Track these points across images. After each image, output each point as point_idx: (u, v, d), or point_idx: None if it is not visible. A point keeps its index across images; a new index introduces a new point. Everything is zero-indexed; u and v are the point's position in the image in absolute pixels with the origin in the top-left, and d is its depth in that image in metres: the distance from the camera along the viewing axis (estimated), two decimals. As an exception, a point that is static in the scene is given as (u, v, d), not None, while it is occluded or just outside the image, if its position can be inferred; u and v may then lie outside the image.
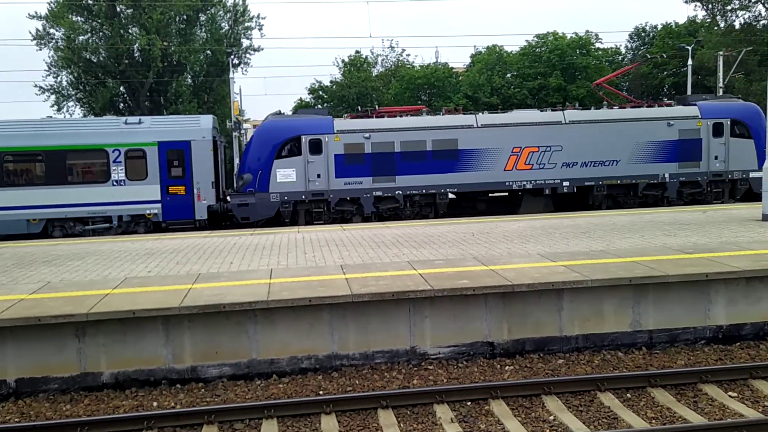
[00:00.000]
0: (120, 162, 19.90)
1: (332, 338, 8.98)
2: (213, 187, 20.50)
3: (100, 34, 41.41)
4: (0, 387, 8.40)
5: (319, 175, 20.62)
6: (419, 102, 45.02)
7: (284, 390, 8.30)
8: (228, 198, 21.76)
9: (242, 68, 46.02)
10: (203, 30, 44.59)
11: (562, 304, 9.38)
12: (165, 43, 39.72)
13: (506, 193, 22.72)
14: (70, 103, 43.37)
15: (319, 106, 48.43)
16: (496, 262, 10.65)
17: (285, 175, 20.56)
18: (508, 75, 48.17)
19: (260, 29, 46.28)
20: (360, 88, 46.56)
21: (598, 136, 21.48)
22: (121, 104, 43.59)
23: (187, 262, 11.89)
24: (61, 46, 40.63)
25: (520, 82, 46.36)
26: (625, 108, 22.99)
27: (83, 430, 7.16)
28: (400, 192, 20.95)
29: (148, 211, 20.06)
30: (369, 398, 7.73)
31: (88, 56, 41.43)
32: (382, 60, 50.09)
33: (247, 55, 46.13)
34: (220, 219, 21.39)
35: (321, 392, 8.21)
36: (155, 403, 8.03)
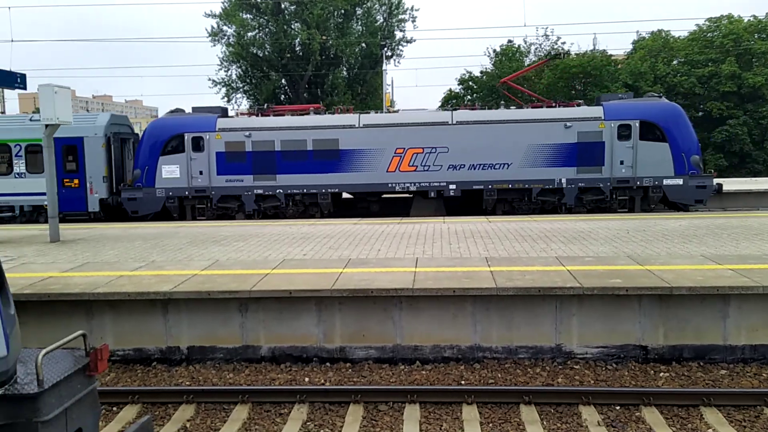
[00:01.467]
0: (21, 156, 21.38)
1: (475, 330, 9.00)
2: (105, 181, 21.28)
3: (266, 30, 44.23)
4: (174, 353, 9.37)
5: (201, 172, 20.94)
6: (573, 92, 43.30)
7: (427, 377, 8.46)
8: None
9: (395, 60, 47.01)
10: (359, 23, 46.08)
11: (728, 310, 8.66)
12: (324, 37, 41.55)
13: (407, 195, 21.86)
14: (239, 95, 46.83)
15: (469, 97, 48.17)
16: (653, 261, 10.05)
17: (169, 171, 21.04)
18: (675, 62, 44.88)
19: (413, 21, 46.92)
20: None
21: (486, 137, 20.20)
22: (282, 96, 46.32)
23: (339, 247, 12.44)
24: (232, 42, 43.93)
25: (687, 69, 43.05)
26: (522, 108, 21.42)
27: (244, 398, 7.80)
28: (281, 191, 20.83)
29: (45, 202, 20.60)
30: (512, 392, 7.67)
31: (255, 51, 44.46)
32: (536, 49, 48.72)
33: (400, 47, 47.03)
34: (114, 212, 21.89)
35: (463, 382, 8.28)
36: (307, 379, 8.54)
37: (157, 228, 16.67)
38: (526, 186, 20.39)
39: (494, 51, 48.59)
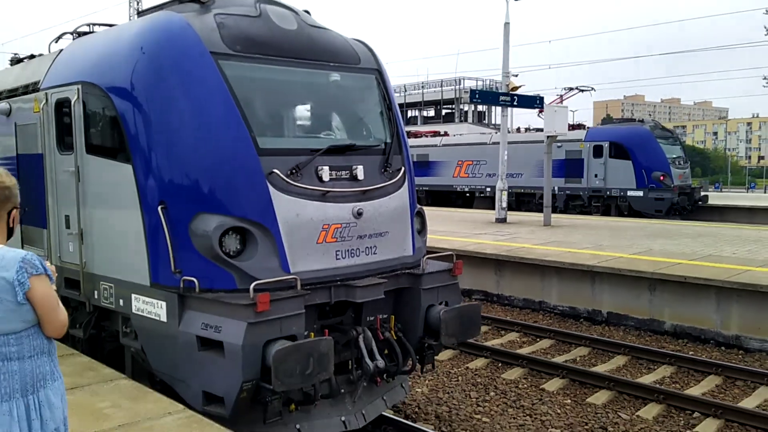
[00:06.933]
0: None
1: None
2: None
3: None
4: (597, 315, 11.92)
5: None
6: None
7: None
8: None
9: None
10: None
11: None
12: None
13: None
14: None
15: None
16: None
17: None
18: None
19: None
20: None
21: (512, 154, 23.36)
22: None
23: None
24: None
25: None
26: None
27: (625, 351, 9.91)
28: None
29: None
30: None
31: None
32: None
33: None
34: None
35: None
36: (688, 352, 9.94)
37: (635, 223, 18.99)
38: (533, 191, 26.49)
39: None
